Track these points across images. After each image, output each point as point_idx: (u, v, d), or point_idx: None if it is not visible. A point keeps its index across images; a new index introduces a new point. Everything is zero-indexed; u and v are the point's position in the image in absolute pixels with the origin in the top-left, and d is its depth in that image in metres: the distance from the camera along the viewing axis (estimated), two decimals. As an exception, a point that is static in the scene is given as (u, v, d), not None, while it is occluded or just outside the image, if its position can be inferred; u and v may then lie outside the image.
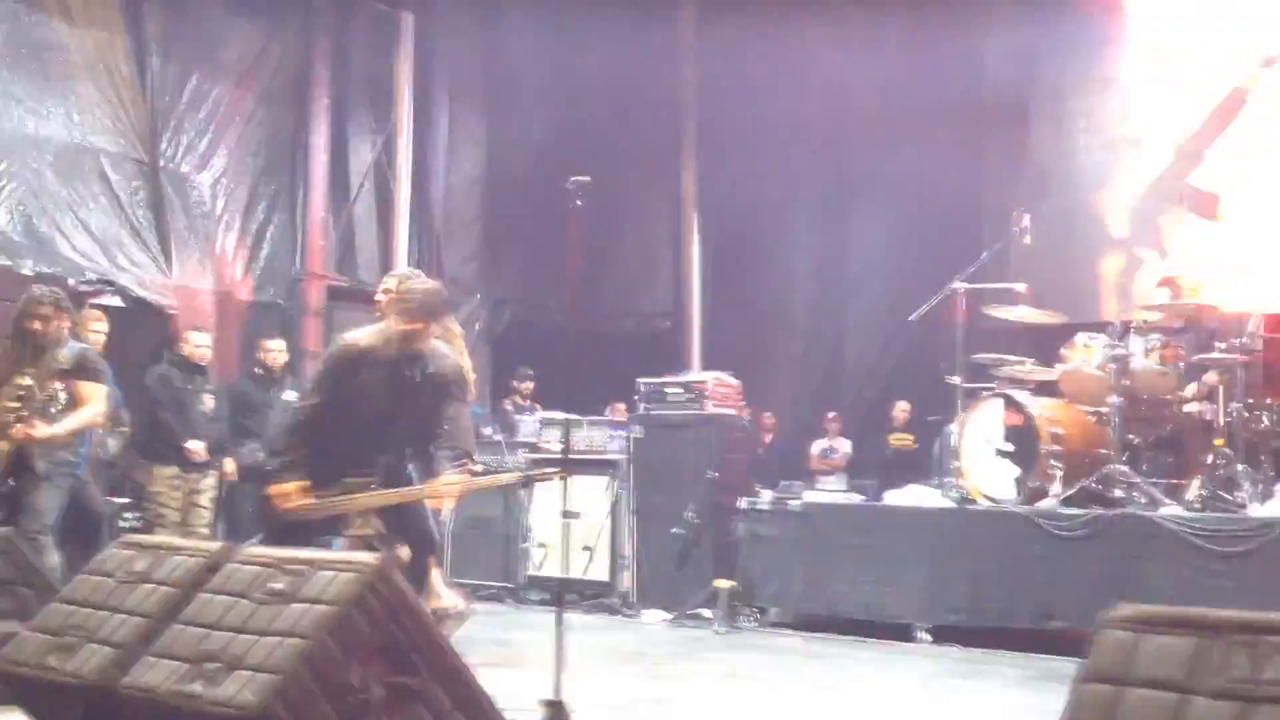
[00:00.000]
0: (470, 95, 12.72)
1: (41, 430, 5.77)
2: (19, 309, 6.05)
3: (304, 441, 5.30)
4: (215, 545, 3.62)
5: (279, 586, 3.26)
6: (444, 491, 5.34)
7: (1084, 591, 6.45)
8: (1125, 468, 7.06)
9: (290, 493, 5.15)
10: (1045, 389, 7.82)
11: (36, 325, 5.95)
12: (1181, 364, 7.21)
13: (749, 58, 12.26)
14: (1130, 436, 7.26)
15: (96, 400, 5.99)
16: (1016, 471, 7.32)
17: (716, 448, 8.22)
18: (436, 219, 12.23)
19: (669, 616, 7.92)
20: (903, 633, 7.13)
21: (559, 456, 8.86)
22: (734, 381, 8.64)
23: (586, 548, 8.46)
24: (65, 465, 6.00)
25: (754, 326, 12.97)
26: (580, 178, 4.74)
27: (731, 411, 8.45)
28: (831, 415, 12.25)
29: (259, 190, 10.87)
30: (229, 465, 8.37)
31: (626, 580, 8.37)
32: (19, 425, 5.73)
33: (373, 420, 5.30)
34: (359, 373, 5.30)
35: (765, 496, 8.13)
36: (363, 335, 5.47)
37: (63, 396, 5.82)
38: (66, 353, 5.96)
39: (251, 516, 8.81)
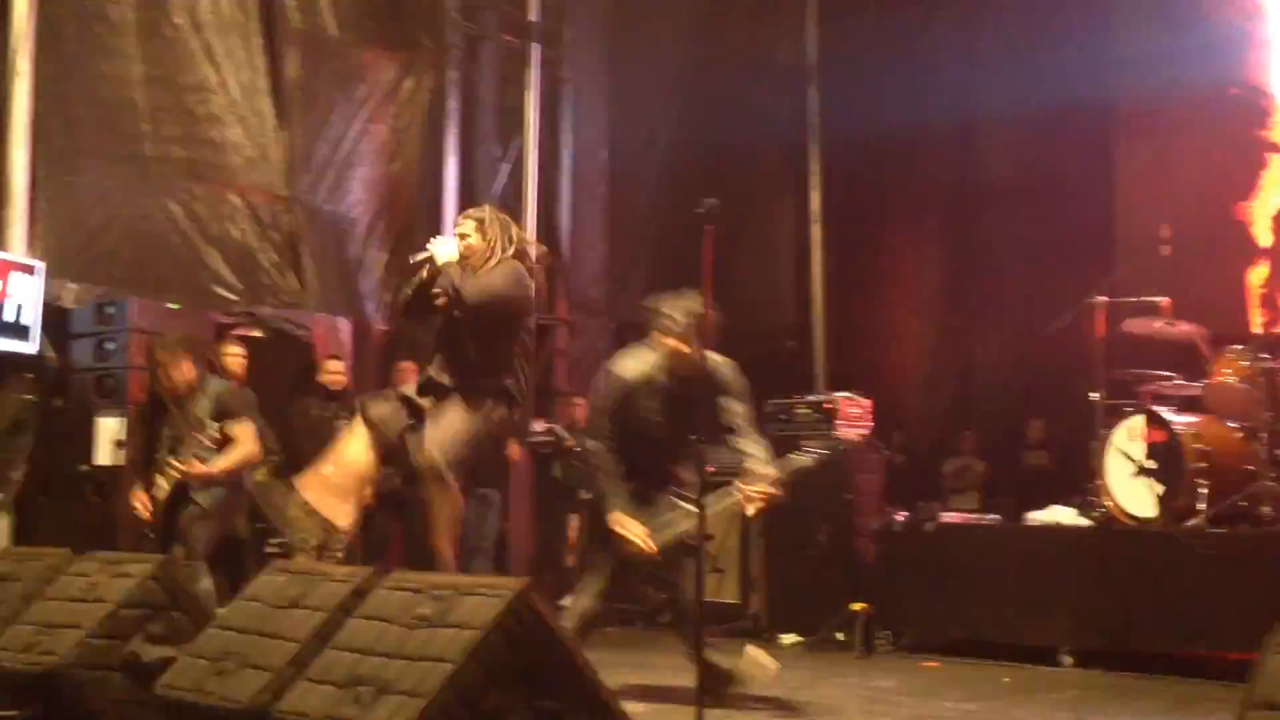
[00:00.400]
0: (595, 122, 12.85)
1: (196, 469, 6.00)
2: (156, 362, 6.33)
3: (616, 479, 5.34)
4: (365, 571, 3.69)
5: (426, 611, 3.31)
6: (757, 495, 5.28)
7: (1232, 614, 6.22)
8: (1275, 485, 6.81)
9: (639, 534, 5.28)
10: (1190, 404, 7.58)
11: (163, 378, 6.23)
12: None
13: (873, 75, 12.16)
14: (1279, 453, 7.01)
15: (245, 440, 6.23)
16: (1160, 490, 7.11)
17: (847, 468, 8.12)
18: (563, 244, 12.35)
19: (803, 639, 7.85)
20: (1045, 656, 6.95)
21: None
22: (864, 401, 8.54)
23: (717, 570, 8.42)
24: (222, 500, 6.22)
25: (881, 345, 12.82)
26: (710, 200, 4.72)
27: (863, 432, 8.35)
28: (966, 434, 12.03)
29: (391, 220, 11.10)
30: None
31: (757, 603, 8.31)
32: (175, 465, 5.97)
33: (660, 440, 5.36)
34: (637, 402, 5.34)
35: (899, 517, 8.01)
36: (630, 365, 5.48)
37: (212, 433, 6.04)
38: (205, 402, 6.20)
39: (383, 541, 8.99)
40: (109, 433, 8.11)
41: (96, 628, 4.20)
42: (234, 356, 8.00)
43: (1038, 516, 7.78)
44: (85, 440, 8.27)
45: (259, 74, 10.07)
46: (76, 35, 8.99)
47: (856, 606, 7.54)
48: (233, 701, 3.46)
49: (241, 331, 8.97)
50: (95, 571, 4.52)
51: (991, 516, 8.56)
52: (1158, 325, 7.70)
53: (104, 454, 8.16)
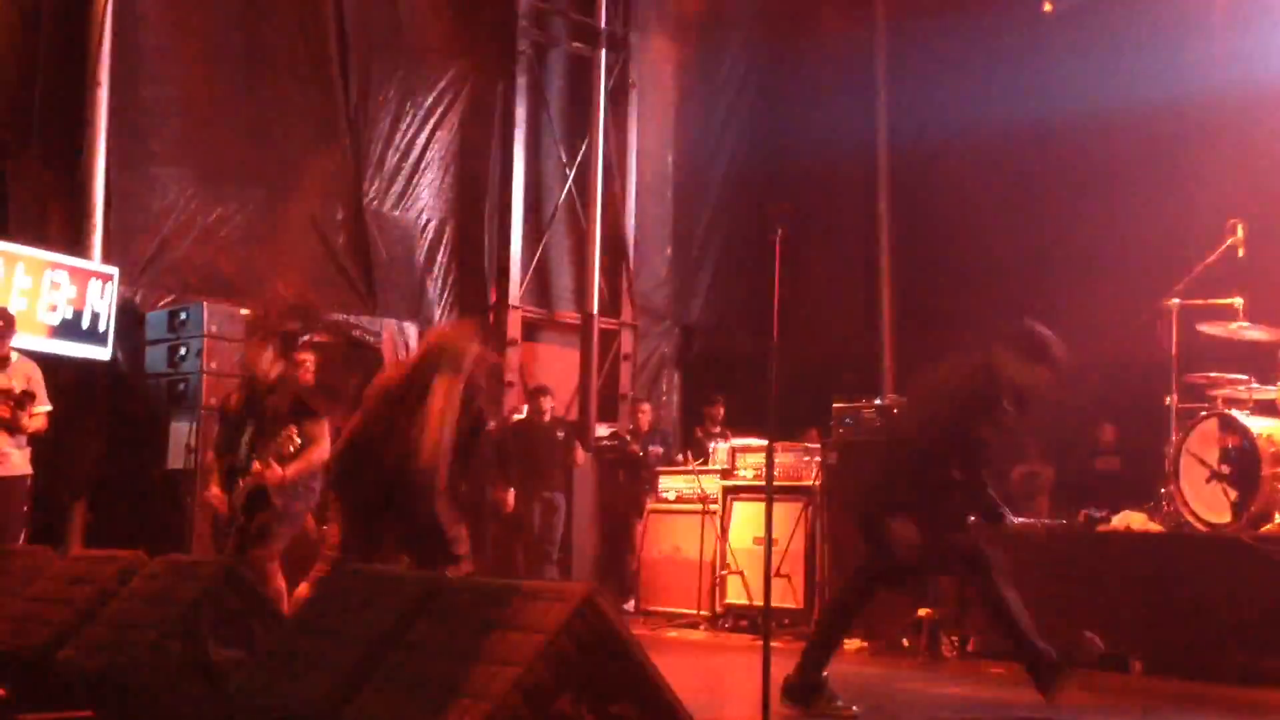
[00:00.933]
0: (661, 128, 12.90)
1: (275, 472, 6.03)
2: (247, 349, 6.39)
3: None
4: (432, 575, 3.72)
5: (493, 615, 3.33)
6: None
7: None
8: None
9: None
10: (1265, 408, 7.42)
11: (250, 365, 6.29)
12: None
13: (942, 82, 12.07)
14: (1363, 459, 6.83)
15: (321, 439, 6.24)
16: (1234, 495, 6.97)
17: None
18: (629, 248, 12.39)
19: (867, 645, 7.79)
20: (1116, 663, 6.84)
21: (756, 483, 8.86)
22: (930, 405, 8.45)
23: (781, 574, 8.39)
24: (303, 501, 6.28)
25: (948, 349, 12.67)
26: (781, 204, 4.71)
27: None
28: (1032, 438, 11.87)
29: (457, 225, 11.20)
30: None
31: (821, 607, 8.25)
32: (256, 468, 6.03)
33: None
34: None
35: (968, 522, 7.91)
36: None
37: (296, 439, 6.08)
38: (285, 398, 6.23)
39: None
40: (181, 437, 8.26)
41: (169, 629, 4.27)
42: (304, 363, 8.09)
43: (1109, 521, 7.66)
44: (159, 444, 8.42)
45: (330, 83, 10.22)
46: (154, 47, 9.17)
47: (923, 612, 7.47)
48: (302, 703, 3.49)
49: (312, 338, 9.08)
50: (168, 574, 4.59)
51: (1059, 522, 8.43)
52: (1232, 327, 7.55)
53: (176, 458, 8.31)
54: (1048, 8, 10.86)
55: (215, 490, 6.24)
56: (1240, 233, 7.71)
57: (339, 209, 10.26)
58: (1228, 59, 10.60)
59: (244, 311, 8.69)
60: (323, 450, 6.25)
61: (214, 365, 8.35)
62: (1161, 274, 8.22)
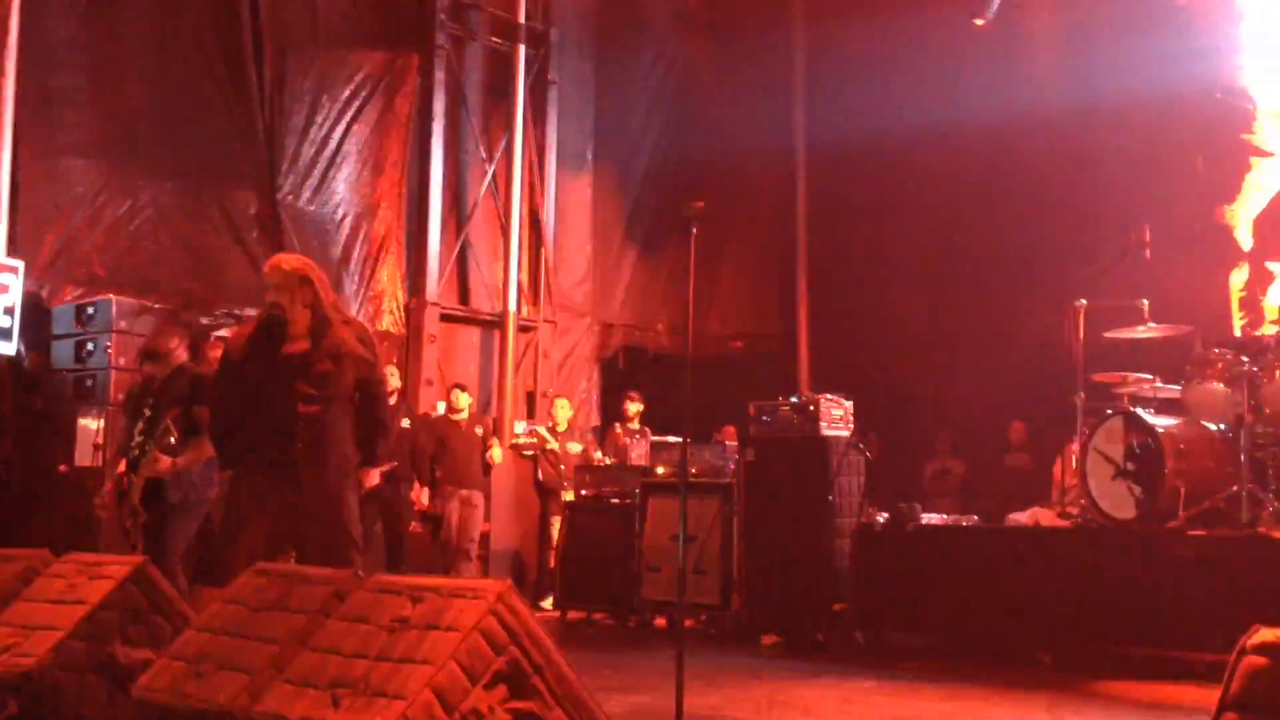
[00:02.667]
0: (581, 124, 12.89)
1: (163, 464, 5.92)
2: (141, 349, 6.29)
3: None
4: (344, 573, 3.69)
5: (406, 614, 3.31)
6: None
7: (1209, 615, 6.25)
8: (1253, 488, 6.84)
9: None
10: (1169, 407, 7.62)
11: (149, 344, 6.19)
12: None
13: (858, 84, 12.22)
14: (1259, 455, 7.03)
15: None
16: (1140, 492, 7.13)
17: (829, 470, 8.15)
18: (548, 245, 12.37)
19: (782, 640, 7.87)
20: (1024, 657, 6.98)
21: (673, 480, 8.91)
22: (846, 403, 8.56)
23: (698, 570, 8.44)
24: (201, 494, 6.17)
25: (863, 347, 12.86)
26: (695, 204, 4.74)
27: (844, 433, 8.37)
28: (943, 435, 12.07)
29: (374, 220, 11.11)
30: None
31: (738, 603, 8.33)
32: (148, 458, 5.92)
33: None
34: None
35: (879, 518, 8.03)
36: None
37: (174, 430, 5.97)
38: (183, 383, 6.13)
39: (367, 539, 8.98)
40: (89, 434, 8.10)
41: (75, 630, 4.19)
42: (213, 360, 7.95)
43: (1018, 518, 7.81)
44: (65, 441, 8.26)
45: (243, 74, 10.08)
46: (64, 38, 8.98)
47: (838, 606, 7.56)
48: (210, 704, 3.45)
49: (222, 332, 8.96)
50: (74, 573, 4.50)
51: (970, 518, 8.59)
52: (1138, 328, 7.73)
53: (84, 455, 8.15)
54: (979, 23, 11.03)
55: (109, 486, 6.13)
56: (1146, 235, 7.89)
57: (252, 202, 10.13)
58: (1133, 67, 10.85)
59: (154, 306, 8.56)
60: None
61: (122, 361, 8.19)
62: (1069, 275, 8.39)
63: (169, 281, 9.41)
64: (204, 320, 9.03)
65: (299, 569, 3.93)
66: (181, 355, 6.26)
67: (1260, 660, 2.42)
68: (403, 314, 11.26)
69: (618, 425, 10.90)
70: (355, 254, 10.92)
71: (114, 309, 8.31)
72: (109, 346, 8.23)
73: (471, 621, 3.19)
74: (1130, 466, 7.16)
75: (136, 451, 6.04)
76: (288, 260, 5.46)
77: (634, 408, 10.77)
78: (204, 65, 9.91)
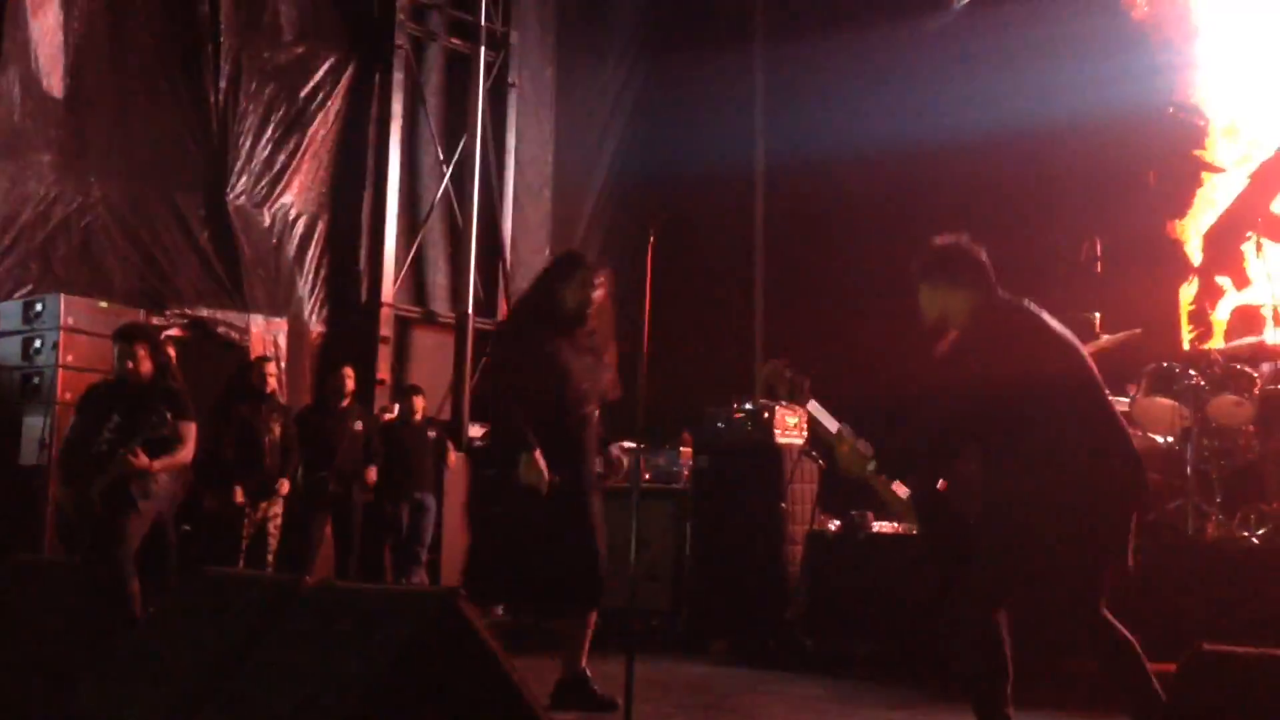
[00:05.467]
0: (541, 128, 12.87)
1: (143, 460, 5.92)
2: (120, 348, 6.23)
3: None
4: (287, 579, 3.66)
5: (348, 621, 3.29)
6: None
7: (1156, 628, 6.29)
8: (1199, 500, 6.92)
9: None
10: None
11: (129, 364, 6.14)
12: (1258, 394, 7.06)
13: (818, 87, 12.26)
14: (1205, 468, 7.11)
15: (190, 440, 6.15)
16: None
17: (782, 477, 8.17)
18: (506, 248, 12.33)
19: (734, 648, 7.87)
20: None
21: (625, 486, 8.89)
22: (800, 410, 8.58)
23: (650, 576, 8.44)
24: (155, 497, 6.12)
25: (819, 355, 12.90)
26: (658, 213, 4.76)
27: (798, 441, 8.40)
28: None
29: (330, 221, 11.04)
30: (284, 486, 8.47)
31: (689, 610, 8.33)
32: (121, 454, 5.89)
33: None
34: None
35: (832, 526, 8.06)
36: None
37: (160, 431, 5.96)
38: (159, 396, 6.12)
39: (317, 543, 8.94)
40: (35, 433, 8.00)
41: (17, 633, 4.14)
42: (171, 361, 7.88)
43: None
44: (10, 440, 8.14)
45: (198, 72, 10.00)
46: (8, 34, 8.87)
47: (788, 614, 7.57)
48: (150, 709, 3.41)
49: (173, 332, 8.88)
50: (18, 575, 4.45)
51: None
52: (1088, 342, 7.80)
53: (29, 454, 8.04)
54: (931, 27, 11.11)
55: (66, 489, 6.08)
56: (1098, 249, 7.97)
57: (205, 201, 10.03)
58: (1088, 84, 10.97)
59: (103, 304, 8.46)
60: (188, 452, 6.15)
61: (70, 359, 8.09)
62: (1022, 287, 8.43)
63: (119, 280, 9.31)
64: (155, 320, 8.93)
65: (240, 574, 3.89)
66: (153, 366, 6.25)
67: (1203, 675, 2.44)
68: (358, 316, 11.18)
69: (573, 430, 10.86)
70: (309, 255, 10.85)
71: (62, 306, 8.21)
72: (57, 344, 8.12)
73: (415, 630, 3.17)
74: (1079, 478, 7.21)
75: (104, 448, 6.01)
76: None
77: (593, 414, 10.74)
78: (158, 63, 9.81)
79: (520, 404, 5.33)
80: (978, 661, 4.12)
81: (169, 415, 6.00)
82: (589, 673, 5.45)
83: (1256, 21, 10.39)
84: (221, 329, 9.64)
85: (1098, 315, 7.91)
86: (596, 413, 5.64)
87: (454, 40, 12.20)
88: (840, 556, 7.76)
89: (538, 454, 5.23)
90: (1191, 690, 2.47)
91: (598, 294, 5.56)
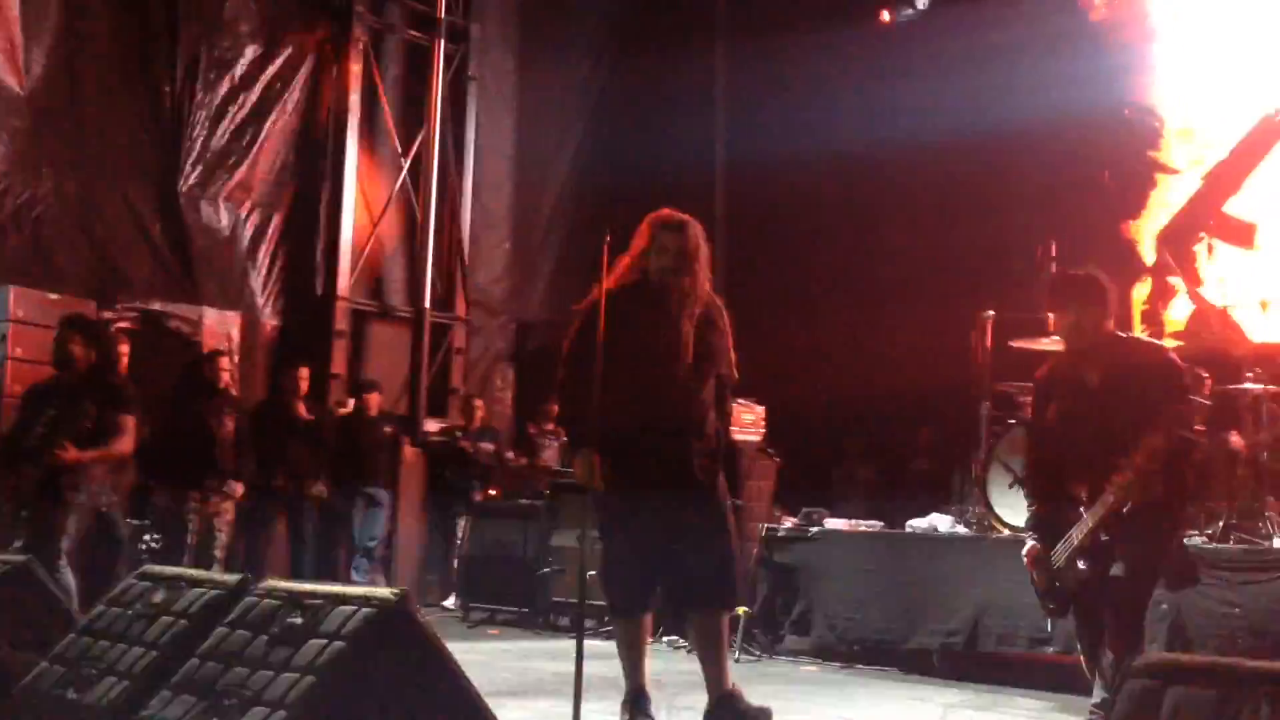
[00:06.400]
0: (501, 122, 12.79)
1: (71, 453, 5.84)
2: (56, 338, 6.16)
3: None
4: (233, 578, 3.62)
5: (296, 622, 3.25)
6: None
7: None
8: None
9: None
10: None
11: (70, 354, 6.06)
12: (1208, 395, 7.13)
13: (779, 88, 12.30)
14: (1156, 467, 7.17)
15: (127, 432, 6.07)
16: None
17: (738, 474, 8.18)
18: (464, 242, 12.27)
19: (687, 643, 7.88)
20: (922, 661, 7.07)
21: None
22: (758, 408, 8.61)
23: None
24: (91, 492, 6.05)
25: (778, 352, 12.94)
26: (614, 213, 4.76)
27: (754, 437, 8.42)
28: (850, 440, 12.19)
29: (285, 213, 10.95)
30: (238, 490, 8.41)
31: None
32: (51, 450, 5.81)
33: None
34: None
35: (786, 522, 8.08)
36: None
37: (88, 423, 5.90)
38: (97, 387, 6.05)
39: (268, 539, 8.88)
40: (-19, 426, 7.88)
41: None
42: (122, 354, 7.79)
43: (918, 524, 7.91)
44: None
45: (153, 63, 9.89)
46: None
47: (741, 611, 7.58)
48: (92, 710, 3.37)
49: (124, 325, 8.79)
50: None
51: (873, 523, 8.67)
52: (1043, 340, 7.86)
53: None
54: (885, 18, 11.15)
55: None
56: (1053, 249, 8.03)
57: (158, 194, 9.93)
58: (1046, 85, 11.04)
59: (53, 296, 8.35)
60: (126, 443, 6.07)
61: (19, 351, 8.00)
62: (979, 287, 8.52)
63: (71, 272, 9.19)
64: (106, 314, 8.83)
65: (185, 573, 3.85)
66: (91, 357, 6.17)
67: (1148, 683, 2.45)
68: (313, 308, 11.10)
69: (532, 426, 10.87)
70: (264, 248, 10.76)
71: (11, 298, 8.10)
72: (5, 337, 8.02)
73: (362, 630, 3.14)
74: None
75: (35, 442, 5.93)
76: None
77: (551, 409, 10.73)
78: (114, 54, 9.70)
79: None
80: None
81: (99, 407, 5.93)
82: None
83: (1212, 25, 10.48)
84: (174, 322, 9.54)
85: (1051, 315, 7.96)
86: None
87: (413, 32, 12.12)
88: (794, 552, 7.79)
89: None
90: (1136, 698, 2.48)
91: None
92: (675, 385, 4.73)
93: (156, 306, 9.54)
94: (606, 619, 5.47)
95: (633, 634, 4.92)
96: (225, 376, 8.42)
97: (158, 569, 3.89)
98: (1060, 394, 4.78)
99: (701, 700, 5.42)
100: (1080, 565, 4.58)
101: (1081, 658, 4.89)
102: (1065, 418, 4.73)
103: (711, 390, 4.88)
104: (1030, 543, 4.85)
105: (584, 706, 4.38)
